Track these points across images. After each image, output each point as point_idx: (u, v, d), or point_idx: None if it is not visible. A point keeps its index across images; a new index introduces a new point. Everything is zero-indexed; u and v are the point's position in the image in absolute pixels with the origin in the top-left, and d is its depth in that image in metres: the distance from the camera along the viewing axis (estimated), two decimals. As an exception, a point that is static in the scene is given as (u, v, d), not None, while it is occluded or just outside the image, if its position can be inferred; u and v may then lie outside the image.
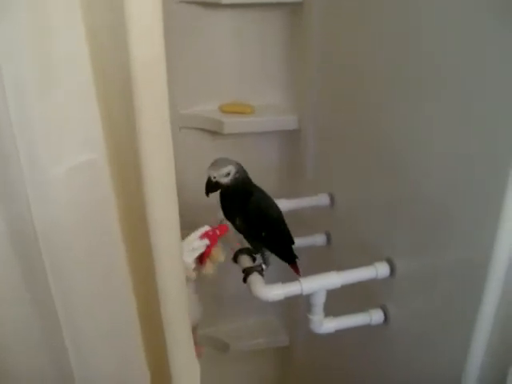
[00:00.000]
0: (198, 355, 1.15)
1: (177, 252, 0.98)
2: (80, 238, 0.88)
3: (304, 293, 1.14)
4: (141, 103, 0.81)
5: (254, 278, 1.18)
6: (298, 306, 1.90)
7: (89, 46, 0.79)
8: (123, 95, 0.83)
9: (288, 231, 1.30)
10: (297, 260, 1.33)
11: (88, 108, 0.83)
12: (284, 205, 1.37)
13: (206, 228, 1.26)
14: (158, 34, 0.80)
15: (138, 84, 0.80)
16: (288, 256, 1.31)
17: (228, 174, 1.15)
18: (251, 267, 1.22)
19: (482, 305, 0.92)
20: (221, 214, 1.37)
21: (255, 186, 1.22)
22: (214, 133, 1.69)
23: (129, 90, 0.80)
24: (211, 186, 1.17)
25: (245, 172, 1.19)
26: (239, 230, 1.24)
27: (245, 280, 1.21)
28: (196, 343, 1.16)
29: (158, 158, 0.86)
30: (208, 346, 2.01)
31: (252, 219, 1.21)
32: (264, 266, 1.24)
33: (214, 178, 1.16)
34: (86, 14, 0.78)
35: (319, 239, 1.55)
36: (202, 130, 1.71)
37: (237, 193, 1.18)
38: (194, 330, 1.19)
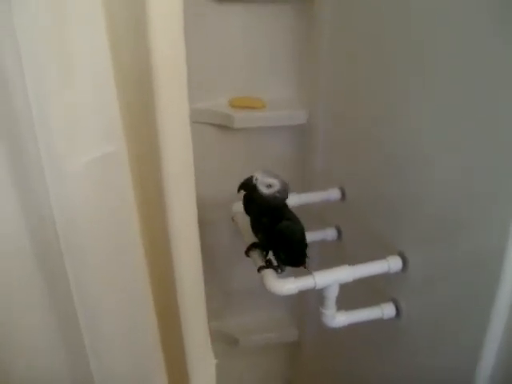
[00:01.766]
0: None
1: (194, 245, 0.99)
2: (99, 231, 0.88)
3: (317, 287, 1.14)
4: (160, 96, 0.81)
5: (267, 271, 1.18)
6: (308, 300, 1.91)
7: (108, 37, 0.79)
8: (143, 88, 0.83)
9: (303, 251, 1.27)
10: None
11: (107, 101, 0.83)
12: (295, 199, 1.37)
13: None
14: (179, 26, 0.80)
15: (158, 76, 0.80)
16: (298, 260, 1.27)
17: (270, 186, 1.14)
18: (267, 265, 1.22)
19: (496, 297, 0.91)
20: (235, 207, 1.37)
21: (289, 211, 1.21)
22: (225, 127, 1.68)
23: (148, 82, 0.80)
24: (247, 186, 1.16)
25: (286, 194, 1.17)
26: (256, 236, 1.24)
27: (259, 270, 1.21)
28: None
29: (177, 151, 0.86)
30: (217, 340, 2.02)
31: (275, 241, 1.21)
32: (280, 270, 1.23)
33: (256, 180, 1.14)
34: (106, 4, 0.78)
35: (330, 233, 1.55)
36: (213, 124, 1.71)
37: (269, 209, 1.17)
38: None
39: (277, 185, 1.14)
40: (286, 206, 1.19)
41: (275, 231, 1.18)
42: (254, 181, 1.15)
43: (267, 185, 1.14)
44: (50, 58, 0.76)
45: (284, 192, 1.16)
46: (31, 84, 0.74)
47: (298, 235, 1.21)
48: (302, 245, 1.24)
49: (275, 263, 1.24)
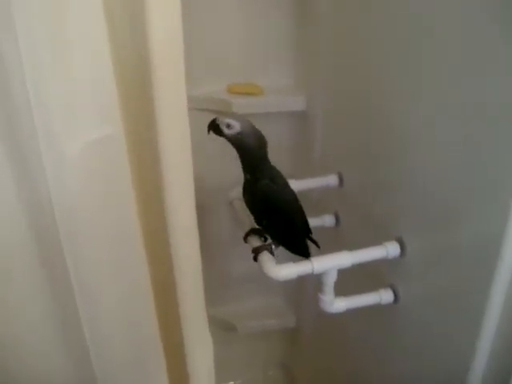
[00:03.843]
0: None
1: (193, 230, 0.99)
2: (97, 214, 0.88)
3: (315, 272, 1.14)
4: (158, 82, 0.81)
5: (265, 257, 1.18)
6: (305, 287, 1.91)
7: (106, 22, 0.79)
8: (140, 74, 0.83)
9: (300, 223, 1.27)
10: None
11: (104, 84, 0.83)
12: (293, 185, 1.36)
13: None
14: (176, 11, 0.79)
15: (156, 63, 0.80)
16: (297, 249, 1.27)
17: (229, 126, 1.13)
18: (261, 246, 1.22)
19: (493, 284, 0.92)
20: (234, 193, 1.37)
21: (267, 168, 1.19)
22: (223, 113, 1.68)
23: (146, 68, 0.80)
24: (212, 126, 1.15)
25: (256, 142, 1.15)
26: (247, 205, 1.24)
27: (255, 259, 1.21)
28: None
29: (175, 137, 0.86)
30: (215, 327, 2.03)
31: (256, 204, 1.21)
32: (274, 246, 1.23)
33: (218, 120, 1.14)
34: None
35: (328, 220, 1.55)
36: (211, 110, 1.70)
37: (244, 157, 1.16)
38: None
39: (236, 126, 1.13)
40: (260, 157, 1.17)
41: (256, 188, 1.18)
42: (216, 121, 1.15)
43: (227, 125, 1.13)
44: (47, 41, 0.76)
45: (249, 137, 1.14)
46: (28, 67, 0.74)
47: (281, 189, 1.20)
48: (290, 202, 1.23)
49: (270, 241, 1.24)
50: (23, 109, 0.76)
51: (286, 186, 1.23)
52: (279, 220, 1.21)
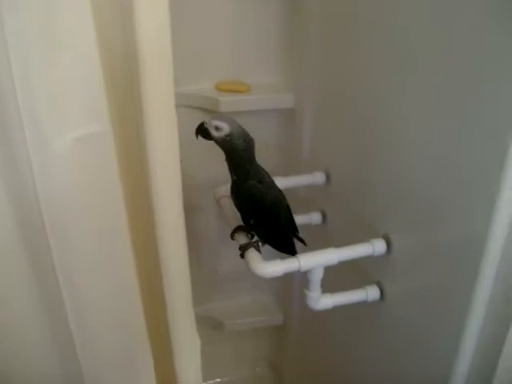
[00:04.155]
0: None
1: (180, 228, 0.99)
2: (84, 211, 0.88)
3: (302, 269, 1.15)
4: (146, 79, 0.81)
5: (252, 254, 1.18)
6: (292, 284, 1.92)
7: (94, 18, 0.79)
8: (128, 70, 0.83)
9: (286, 222, 1.27)
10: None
11: (92, 80, 0.82)
12: (280, 183, 1.37)
13: None
14: (164, 8, 0.79)
15: (144, 59, 0.80)
16: (284, 248, 1.28)
17: (217, 128, 1.12)
18: (248, 243, 1.22)
19: (478, 281, 0.92)
20: (221, 191, 1.37)
21: (254, 169, 1.18)
22: (211, 111, 1.68)
23: (134, 65, 0.80)
24: (201, 130, 1.15)
25: (244, 144, 1.14)
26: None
27: (242, 256, 1.21)
28: None
29: (162, 134, 0.86)
30: (203, 324, 2.03)
31: (243, 204, 1.22)
32: (260, 244, 1.24)
33: (206, 124, 1.14)
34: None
35: (315, 217, 1.56)
36: (198, 108, 1.70)
37: (231, 159, 1.16)
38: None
39: (226, 128, 1.12)
40: (247, 157, 1.16)
41: (241, 190, 1.18)
42: (204, 124, 1.14)
43: (215, 127, 1.12)
44: (35, 39, 0.75)
45: (238, 139, 1.13)
46: (16, 64, 0.74)
47: (269, 200, 1.19)
48: (277, 213, 1.22)
49: (257, 238, 1.25)
50: (11, 106, 0.75)
51: (273, 186, 1.23)
52: (266, 220, 1.22)
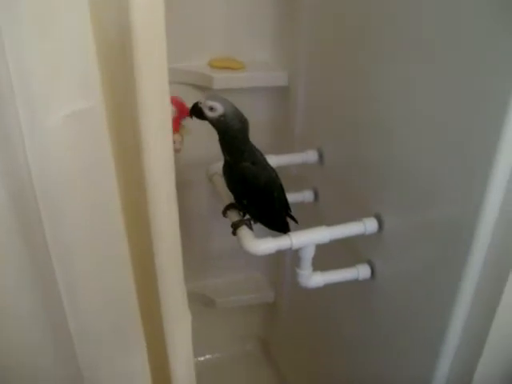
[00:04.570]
0: None
1: (172, 204, 0.99)
2: (77, 187, 0.88)
3: (294, 247, 1.15)
4: (139, 54, 0.80)
5: (244, 232, 1.18)
6: (284, 262, 1.93)
7: None
8: (121, 45, 0.82)
9: (280, 203, 1.27)
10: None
11: (85, 55, 0.81)
12: (272, 161, 1.37)
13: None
14: None
15: (137, 34, 0.79)
16: (276, 227, 1.28)
17: (212, 109, 1.11)
18: (240, 220, 1.22)
19: (468, 261, 0.93)
20: (213, 168, 1.37)
21: (248, 150, 1.17)
22: (204, 88, 1.67)
23: (127, 40, 0.79)
24: (195, 110, 1.14)
25: (239, 124, 1.13)
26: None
27: (234, 233, 1.21)
28: None
29: (154, 110, 0.86)
30: (194, 301, 2.04)
31: (235, 185, 1.21)
32: (252, 221, 1.24)
33: (200, 103, 1.13)
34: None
35: (307, 195, 1.56)
36: (191, 85, 1.69)
37: (225, 139, 1.15)
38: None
39: (220, 108, 1.11)
40: (242, 138, 1.15)
41: (234, 171, 1.18)
42: (199, 104, 1.13)
43: (209, 107, 1.11)
44: (28, 15, 0.74)
45: (232, 120, 1.12)
46: (8, 40, 0.73)
47: (260, 170, 1.19)
48: (270, 192, 1.22)
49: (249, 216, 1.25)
50: (2, 83, 0.75)
51: (266, 167, 1.22)
52: (259, 201, 1.22)
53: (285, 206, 1.31)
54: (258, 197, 1.21)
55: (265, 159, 1.23)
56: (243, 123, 1.14)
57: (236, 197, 1.24)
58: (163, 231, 0.98)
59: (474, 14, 0.86)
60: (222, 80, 1.64)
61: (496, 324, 0.93)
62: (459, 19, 0.89)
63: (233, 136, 1.14)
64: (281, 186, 1.27)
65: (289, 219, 1.33)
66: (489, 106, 0.84)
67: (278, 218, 1.28)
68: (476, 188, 0.88)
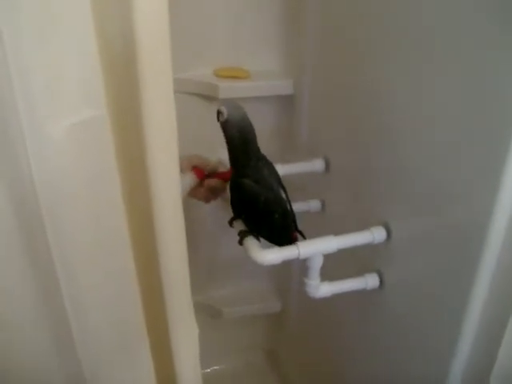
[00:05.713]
0: None
1: (178, 215, 0.98)
2: (81, 197, 0.87)
3: (301, 257, 1.14)
4: (144, 64, 0.80)
5: (251, 242, 1.17)
6: (291, 272, 1.92)
7: (91, 1, 0.77)
8: (125, 56, 0.81)
9: (283, 224, 1.21)
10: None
11: (89, 64, 0.81)
12: (278, 170, 1.36)
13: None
14: None
15: (142, 45, 0.78)
16: (277, 242, 1.21)
17: (220, 113, 1.07)
18: (246, 230, 1.20)
19: (478, 271, 0.92)
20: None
21: (253, 166, 1.13)
22: (210, 97, 1.67)
23: (132, 51, 0.79)
24: (217, 114, 1.09)
25: (237, 134, 1.09)
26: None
27: (240, 243, 1.20)
28: None
29: (160, 120, 0.85)
30: (201, 312, 2.03)
31: (232, 198, 1.20)
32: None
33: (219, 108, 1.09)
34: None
35: (314, 205, 1.55)
36: (197, 94, 1.69)
37: (228, 148, 1.12)
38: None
39: (224, 113, 1.06)
40: (256, 166, 1.12)
41: (234, 184, 1.15)
42: (218, 109, 1.09)
43: (218, 111, 1.07)
44: (32, 23, 0.74)
45: (232, 125, 1.07)
46: (11, 50, 0.72)
47: (262, 200, 1.14)
48: (268, 214, 1.17)
49: None
50: (5, 91, 0.74)
51: (272, 187, 1.16)
52: (257, 219, 1.20)
53: (293, 223, 1.26)
54: (256, 216, 1.19)
55: (278, 179, 1.19)
56: (245, 134, 1.10)
57: (233, 210, 1.23)
58: (169, 241, 0.98)
59: (474, 14, 0.86)
60: (227, 89, 1.63)
61: (510, 331, 0.91)
62: (459, 19, 0.89)
63: (233, 145, 1.11)
64: (287, 207, 1.21)
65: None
66: (499, 106, 0.83)
67: (277, 236, 1.24)
68: (486, 192, 0.87)
